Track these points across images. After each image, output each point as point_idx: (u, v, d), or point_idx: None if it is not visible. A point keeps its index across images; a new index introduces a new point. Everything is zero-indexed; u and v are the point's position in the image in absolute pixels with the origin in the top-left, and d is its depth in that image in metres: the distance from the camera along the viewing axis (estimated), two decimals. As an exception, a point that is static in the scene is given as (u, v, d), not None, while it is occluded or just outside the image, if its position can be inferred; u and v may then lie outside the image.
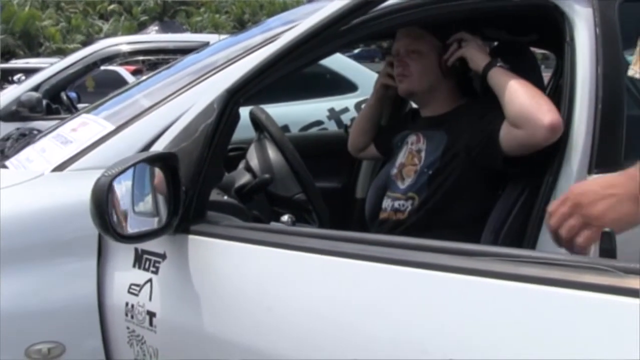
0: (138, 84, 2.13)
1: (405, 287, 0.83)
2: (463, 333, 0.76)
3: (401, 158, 1.80)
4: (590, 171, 1.41)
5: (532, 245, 1.56)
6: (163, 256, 1.19)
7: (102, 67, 5.35)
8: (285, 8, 30.14)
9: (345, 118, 3.96)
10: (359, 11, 1.20)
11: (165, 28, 25.82)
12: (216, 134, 1.19)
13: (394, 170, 1.82)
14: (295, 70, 1.36)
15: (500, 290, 0.73)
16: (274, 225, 1.34)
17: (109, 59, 4.87)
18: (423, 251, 0.81)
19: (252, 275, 1.07)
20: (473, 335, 0.75)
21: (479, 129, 1.61)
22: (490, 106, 1.59)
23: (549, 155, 1.45)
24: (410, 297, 0.82)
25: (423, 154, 1.74)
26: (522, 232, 1.48)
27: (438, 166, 1.68)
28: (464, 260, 0.76)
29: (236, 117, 1.23)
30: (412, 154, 1.77)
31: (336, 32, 1.27)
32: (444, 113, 1.75)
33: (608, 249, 0.78)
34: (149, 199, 1.18)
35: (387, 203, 1.79)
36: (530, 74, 1.60)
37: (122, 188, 1.13)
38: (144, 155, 1.18)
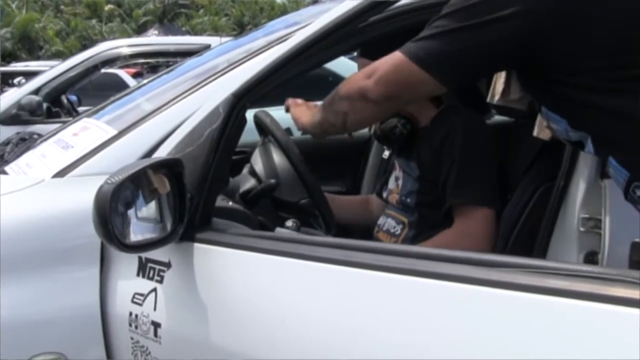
0: (140, 87, 2.09)
1: (426, 300, 0.79)
2: (486, 347, 0.72)
3: (391, 183, 1.81)
4: (602, 176, 1.38)
5: (544, 250, 1.53)
6: (168, 265, 1.16)
7: (103, 70, 5.32)
8: (285, 11, 30.20)
9: (348, 121, 3.93)
10: (371, 11, 1.17)
11: (165, 31, 25.82)
12: (222, 139, 1.16)
13: (385, 194, 1.84)
14: (302, 73, 1.33)
15: (527, 303, 0.70)
16: (281, 232, 1.30)
17: (110, 61, 4.86)
18: (443, 262, 0.78)
19: (262, 285, 1.03)
20: (498, 349, 0.71)
21: (442, 162, 1.60)
22: (451, 127, 1.60)
23: (559, 159, 1.42)
24: (430, 310, 0.79)
25: (400, 182, 1.75)
26: (532, 237, 1.45)
27: (415, 195, 1.68)
28: (486, 272, 0.73)
29: (242, 122, 1.20)
30: (396, 181, 1.78)
31: (347, 34, 1.24)
32: (422, 128, 1.72)
33: (638, 261, 0.75)
34: (152, 204, 1.15)
35: (382, 220, 1.78)
36: None
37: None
38: (149, 161, 1.14)
